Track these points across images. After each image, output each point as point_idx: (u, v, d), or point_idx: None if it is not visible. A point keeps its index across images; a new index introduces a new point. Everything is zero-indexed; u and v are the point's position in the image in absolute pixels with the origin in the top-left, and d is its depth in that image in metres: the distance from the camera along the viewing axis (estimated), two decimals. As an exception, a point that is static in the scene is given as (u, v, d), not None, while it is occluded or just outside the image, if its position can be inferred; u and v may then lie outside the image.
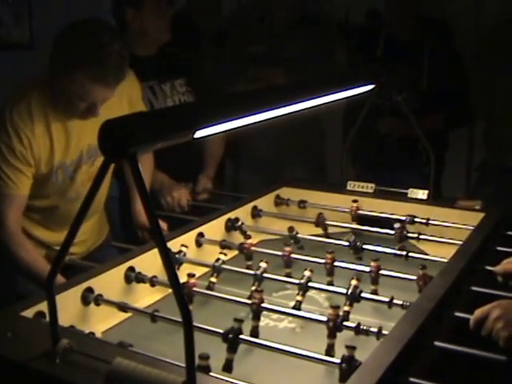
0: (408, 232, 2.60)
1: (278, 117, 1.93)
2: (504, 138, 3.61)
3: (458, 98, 3.70)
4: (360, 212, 2.85)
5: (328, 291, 2.13)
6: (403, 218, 2.71)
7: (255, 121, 1.83)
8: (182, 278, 1.96)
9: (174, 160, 2.95)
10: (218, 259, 2.26)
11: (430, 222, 2.67)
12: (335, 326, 1.78)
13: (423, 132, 2.91)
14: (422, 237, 2.58)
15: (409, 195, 2.90)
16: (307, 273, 2.08)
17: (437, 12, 3.97)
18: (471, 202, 2.76)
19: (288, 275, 2.30)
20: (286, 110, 1.94)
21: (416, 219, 2.69)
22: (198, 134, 1.61)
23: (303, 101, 2.02)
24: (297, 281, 2.10)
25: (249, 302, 1.95)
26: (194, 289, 2.06)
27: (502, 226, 2.60)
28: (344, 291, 2.00)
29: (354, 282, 1.99)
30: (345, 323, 1.79)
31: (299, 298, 2.05)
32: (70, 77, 2.31)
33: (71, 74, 2.31)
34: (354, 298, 1.97)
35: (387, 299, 1.96)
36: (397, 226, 2.61)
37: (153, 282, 2.12)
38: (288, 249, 2.37)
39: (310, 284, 2.07)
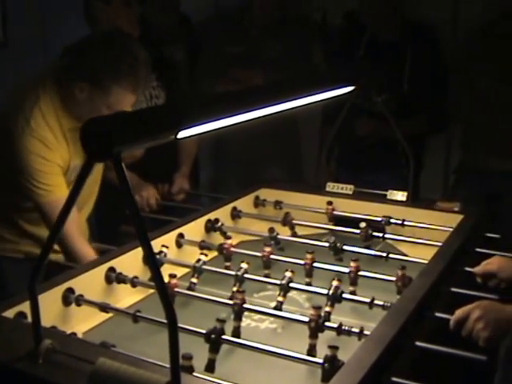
0: (373, 232, 2.63)
1: (258, 118, 1.93)
2: (481, 140, 3.63)
3: (437, 102, 3.71)
4: (336, 213, 2.87)
5: (308, 292, 2.13)
6: (379, 219, 2.72)
7: (236, 122, 1.83)
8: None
9: (148, 158, 2.95)
10: (198, 260, 2.26)
11: (406, 223, 2.69)
12: (317, 326, 1.79)
13: (402, 134, 2.93)
14: (398, 238, 2.62)
15: (388, 197, 2.92)
16: (288, 273, 2.09)
17: (416, 15, 3.98)
18: (450, 203, 2.78)
19: (267, 276, 2.30)
20: (267, 111, 1.95)
21: (392, 220, 2.71)
22: (181, 134, 1.61)
23: (284, 102, 2.03)
24: (278, 281, 2.10)
25: (230, 302, 1.95)
26: (176, 289, 2.05)
27: (481, 227, 2.62)
28: (325, 292, 2.01)
29: (334, 283, 2.00)
30: (326, 323, 1.80)
31: (280, 298, 2.06)
32: (105, 89, 2.36)
33: (107, 87, 2.35)
34: (336, 298, 1.98)
35: (368, 300, 1.97)
36: (362, 225, 2.63)
37: (134, 282, 2.12)
38: (268, 249, 2.37)
39: (291, 285, 2.07)
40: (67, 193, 2.34)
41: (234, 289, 2.08)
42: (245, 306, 1.92)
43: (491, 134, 3.57)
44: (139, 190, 3.06)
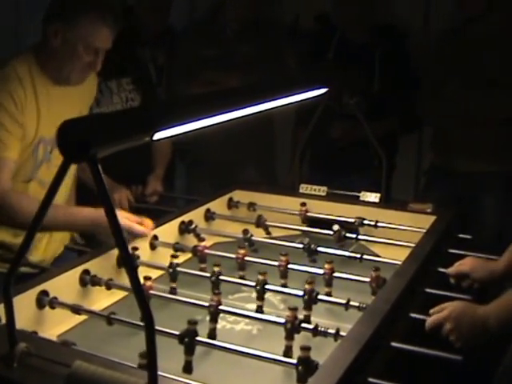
0: (346, 233, 2.64)
1: (232, 120, 1.94)
2: (451, 142, 3.66)
3: (407, 103, 3.74)
4: (309, 214, 2.88)
5: (284, 293, 2.13)
6: (352, 220, 2.74)
7: (211, 123, 1.83)
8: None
9: (122, 160, 2.93)
10: (171, 264, 2.25)
11: (379, 224, 2.71)
12: (293, 327, 1.79)
13: (374, 135, 2.94)
14: (372, 239, 2.63)
15: (361, 198, 2.94)
16: (261, 276, 2.09)
17: (386, 17, 4.01)
18: (422, 204, 2.80)
19: (242, 277, 2.30)
20: (241, 113, 1.95)
21: (365, 221, 2.73)
22: (157, 135, 1.62)
23: (257, 104, 2.04)
24: (253, 283, 2.10)
25: (206, 304, 1.94)
26: (151, 291, 2.05)
27: (453, 228, 2.64)
28: (300, 293, 2.01)
29: (307, 286, 2.00)
30: (303, 325, 1.80)
31: (259, 302, 2.06)
32: (74, 23, 2.35)
33: (76, 20, 2.35)
34: (312, 301, 1.98)
35: (344, 301, 1.97)
36: (335, 228, 2.64)
37: (108, 284, 2.11)
38: (242, 251, 2.37)
39: (267, 286, 2.08)
40: (12, 158, 2.36)
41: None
42: (220, 307, 1.92)
43: (460, 136, 3.60)
44: (112, 192, 3.03)
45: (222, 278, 2.15)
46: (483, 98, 3.45)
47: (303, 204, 2.90)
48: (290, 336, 1.79)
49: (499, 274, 2.19)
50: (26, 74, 2.42)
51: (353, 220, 2.75)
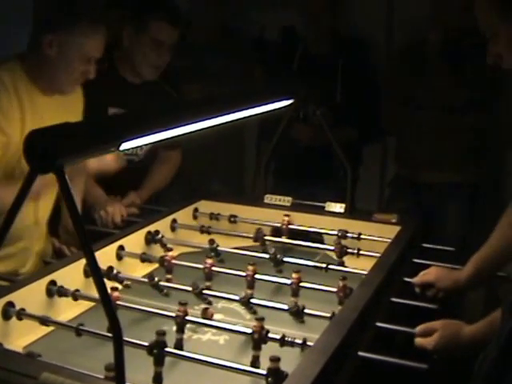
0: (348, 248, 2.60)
1: (198, 130, 1.94)
2: (415, 153, 3.70)
3: (369, 113, 3.78)
4: (274, 225, 2.88)
5: (251, 303, 2.13)
6: (335, 233, 2.74)
7: (176, 134, 1.84)
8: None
9: (119, 179, 3.01)
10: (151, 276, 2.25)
11: (348, 234, 2.71)
12: (260, 337, 1.80)
13: (340, 146, 2.96)
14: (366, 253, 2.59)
15: (326, 208, 2.95)
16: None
17: (350, 28, 4.06)
18: (387, 215, 2.82)
19: (209, 288, 2.30)
20: (206, 123, 1.96)
21: (334, 232, 2.73)
22: (124, 145, 1.62)
23: (222, 115, 2.05)
24: (219, 293, 2.11)
25: (172, 314, 1.94)
26: (118, 302, 2.04)
27: (418, 238, 2.67)
28: (269, 304, 2.02)
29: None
30: (270, 335, 1.81)
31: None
32: (68, 33, 2.36)
33: (69, 30, 2.36)
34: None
35: (312, 311, 1.98)
36: (336, 242, 2.63)
37: (75, 295, 2.09)
38: (209, 261, 2.37)
39: (231, 297, 2.08)
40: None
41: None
42: (187, 318, 1.92)
43: (423, 147, 3.65)
44: (105, 206, 3.00)
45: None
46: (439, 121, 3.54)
47: (286, 215, 2.88)
48: (257, 346, 1.80)
49: (463, 283, 2.22)
50: (10, 82, 2.40)
51: (318, 230, 2.77)
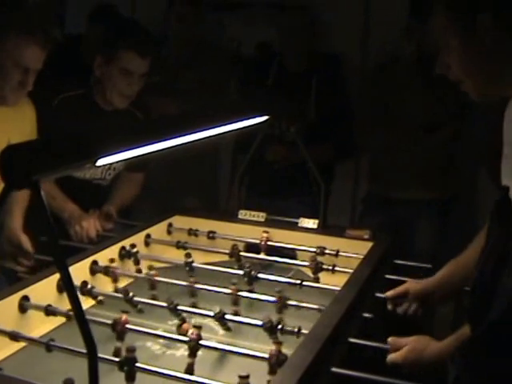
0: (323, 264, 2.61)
1: (175, 146, 1.95)
2: (388, 170, 3.74)
3: (343, 130, 3.80)
4: (249, 240, 2.89)
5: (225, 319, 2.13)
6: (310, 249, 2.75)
7: (153, 150, 1.85)
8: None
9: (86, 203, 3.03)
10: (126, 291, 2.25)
11: (335, 252, 2.71)
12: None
13: (314, 163, 2.99)
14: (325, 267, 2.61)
15: (299, 224, 2.97)
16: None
17: (324, 45, 4.09)
18: (360, 231, 2.85)
19: (194, 305, 2.30)
20: (182, 140, 1.97)
21: (308, 248, 2.75)
22: (100, 162, 1.62)
23: (198, 131, 2.06)
24: (192, 309, 2.12)
25: (146, 330, 1.94)
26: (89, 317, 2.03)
27: (390, 254, 2.69)
28: (241, 320, 2.04)
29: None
30: (241, 350, 1.81)
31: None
32: (1, 41, 2.39)
33: (4, 36, 2.38)
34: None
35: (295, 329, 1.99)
36: (312, 259, 2.64)
37: (48, 310, 2.08)
38: (192, 279, 2.38)
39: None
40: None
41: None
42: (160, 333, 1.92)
43: (394, 164, 3.69)
44: (80, 221, 3.00)
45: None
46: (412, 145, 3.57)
47: (265, 231, 2.89)
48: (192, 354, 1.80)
49: (434, 287, 2.23)
50: None
51: (290, 246, 2.79)
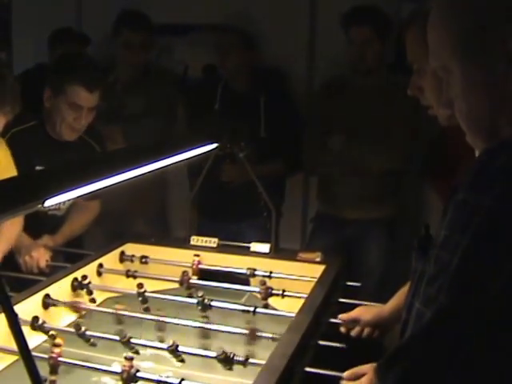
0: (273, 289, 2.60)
1: (123, 181, 1.96)
2: (337, 191, 3.76)
3: (291, 146, 3.82)
4: (201, 267, 2.88)
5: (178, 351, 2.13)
6: (244, 271, 2.77)
7: (101, 186, 1.85)
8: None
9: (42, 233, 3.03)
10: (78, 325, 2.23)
11: (273, 275, 2.73)
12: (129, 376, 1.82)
13: (265, 189, 3.00)
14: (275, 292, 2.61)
15: (251, 249, 2.97)
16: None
17: (269, 61, 4.11)
18: (311, 254, 2.86)
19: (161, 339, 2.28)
20: (130, 174, 1.98)
21: (259, 272, 2.75)
22: (48, 202, 1.61)
23: (146, 165, 2.06)
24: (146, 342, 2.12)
25: (100, 367, 1.93)
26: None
27: (342, 276, 2.71)
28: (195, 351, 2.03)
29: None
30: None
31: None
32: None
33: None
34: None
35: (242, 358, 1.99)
36: (263, 285, 2.64)
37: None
38: (162, 313, 2.37)
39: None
40: None
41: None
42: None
43: (343, 185, 3.71)
44: (29, 250, 2.96)
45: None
46: (367, 153, 3.58)
47: (197, 255, 2.90)
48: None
49: (385, 316, 2.26)
50: None
51: (244, 271, 2.79)
